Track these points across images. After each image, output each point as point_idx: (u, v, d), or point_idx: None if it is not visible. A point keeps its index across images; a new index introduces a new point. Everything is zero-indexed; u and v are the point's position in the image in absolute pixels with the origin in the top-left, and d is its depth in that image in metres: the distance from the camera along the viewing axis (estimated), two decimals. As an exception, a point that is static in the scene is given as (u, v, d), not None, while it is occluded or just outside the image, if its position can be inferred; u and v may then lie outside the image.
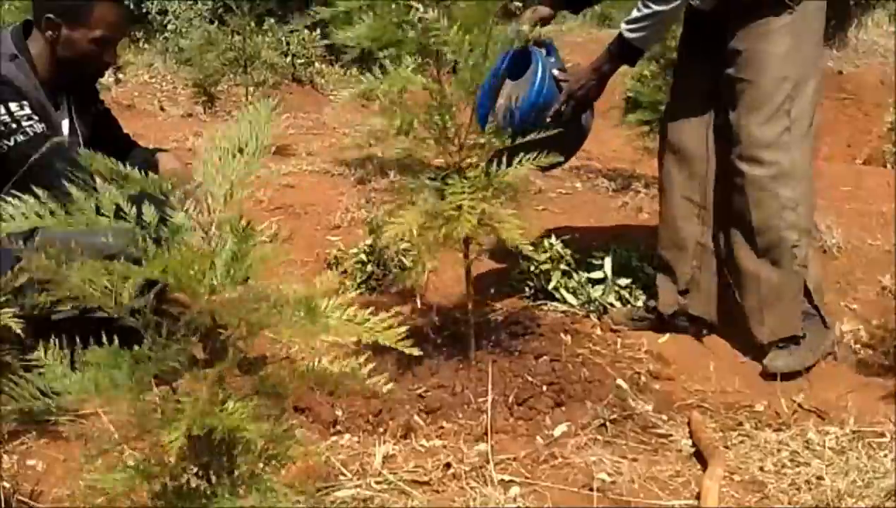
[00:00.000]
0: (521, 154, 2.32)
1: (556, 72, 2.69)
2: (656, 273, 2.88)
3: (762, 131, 2.54)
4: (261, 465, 1.26)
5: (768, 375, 2.54)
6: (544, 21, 2.74)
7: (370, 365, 1.34)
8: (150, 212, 1.25)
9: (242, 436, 1.16)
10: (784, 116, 2.53)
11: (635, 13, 2.57)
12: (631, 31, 2.58)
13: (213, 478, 1.25)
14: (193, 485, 1.26)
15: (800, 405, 2.39)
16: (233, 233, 1.20)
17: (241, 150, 1.26)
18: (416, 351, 1.25)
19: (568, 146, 2.67)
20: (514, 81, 2.73)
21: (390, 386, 1.32)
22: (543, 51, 2.72)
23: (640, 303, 2.97)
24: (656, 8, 2.52)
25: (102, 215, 1.23)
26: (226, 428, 1.14)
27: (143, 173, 1.25)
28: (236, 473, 1.25)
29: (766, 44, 2.53)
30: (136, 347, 1.23)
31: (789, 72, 2.52)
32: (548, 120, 2.59)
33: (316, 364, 1.30)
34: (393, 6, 2.17)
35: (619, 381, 2.42)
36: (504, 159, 2.36)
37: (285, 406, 1.30)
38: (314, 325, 1.16)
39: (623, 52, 2.64)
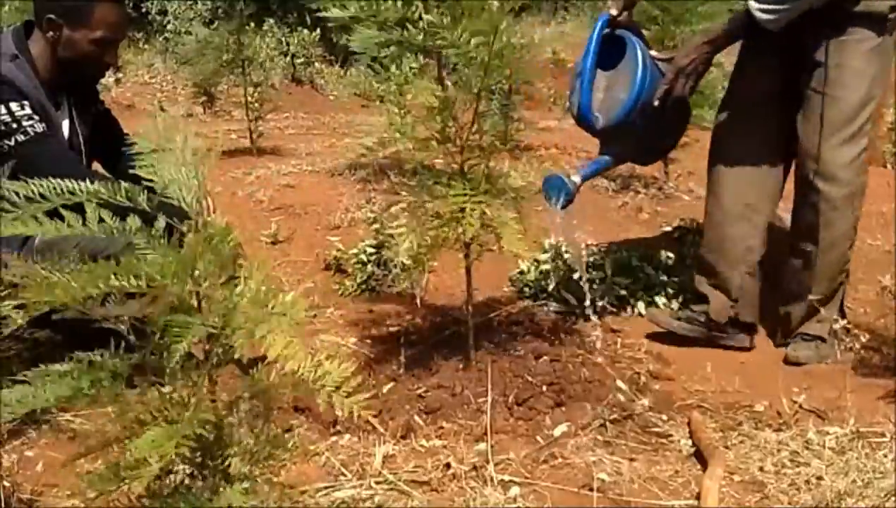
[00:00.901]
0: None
1: (654, 53, 2.61)
2: (699, 276, 2.82)
3: (843, 151, 2.50)
4: (255, 466, 1.26)
5: (790, 363, 2.65)
6: (630, 4, 2.65)
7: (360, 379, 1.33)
8: (133, 221, 1.25)
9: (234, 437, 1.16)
10: (863, 137, 2.52)
11: None
12: (764, 11, 2.42)
13: (208, 478, 1.25)
14: (187, 484, 1.26)
15: (800, 405, 2.39)
16: (214, 234, 1.19)
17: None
18: (368, 415, 1.22)
19: (676, 127, 2.67)
20: (606, 71, 2.63)
21: (390, 385, 1.31)
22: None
23: (674, 305, 2.96)
24: None
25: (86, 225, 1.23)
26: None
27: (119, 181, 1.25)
28: (231, 473, 1.25)
29: (858, 61, 2.45)
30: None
31: (875, 93, 2.48)
32: (656, 103, 2.54)
33: (311, 367, 1.29)
34: (397, 5, 2.16)
35: (619, 381, 2.41)
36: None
37: (281, 406, 1.29)
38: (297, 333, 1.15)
39: (748, 30, 2.51)
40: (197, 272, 1.17)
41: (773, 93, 2.64)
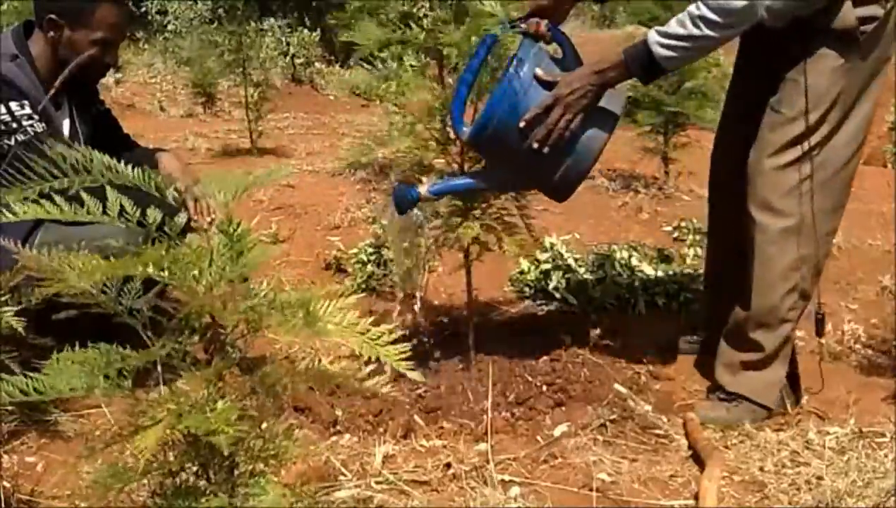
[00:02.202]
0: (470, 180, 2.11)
1: (539, 71, 2.12)
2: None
3: (782, 177, 2.22)
4: (260, 465, 1.26)
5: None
6: (547, 10, 2.25)
7: (369, 367, 1.33)
8: (153, 212, 1.26)
9: (238, 436, 1.16)
10: (809, 163, 2.20)
11: (676, 28, 2.11)
12: (664, 46, 2.11)
13: (212, 477, 1.25)
14: (192, 484, 1.26)
15: (800, 405, 2.39)
16: (228, 233, 1.20)
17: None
18: (417, 376, 1.23)
19: (550, 168, 2.16)
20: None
21: (389, 386, 1.32)
22: (541, 44, 2.19)
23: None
24: (706, 32, 2.08)
25: (106, 214, 1.23)
26: (204, 431, 1.13)
27: (142, 173, 1.25)
28: (235, 473, 1.25)
29: (817, 79, 2.18)
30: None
31: (834, 117, 2.19)
32: (521, 124, 2.10)
33: (316, 364, 1.30)
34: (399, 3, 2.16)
35: (619, 381, 2.42)
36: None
37: (284, 405, 1.30)
38: (312, 328, 1.15)
39: (644, 66, 2.15)
40: (216, 270, 1.17)
41: (742, 110, 2.39)
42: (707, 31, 2.08)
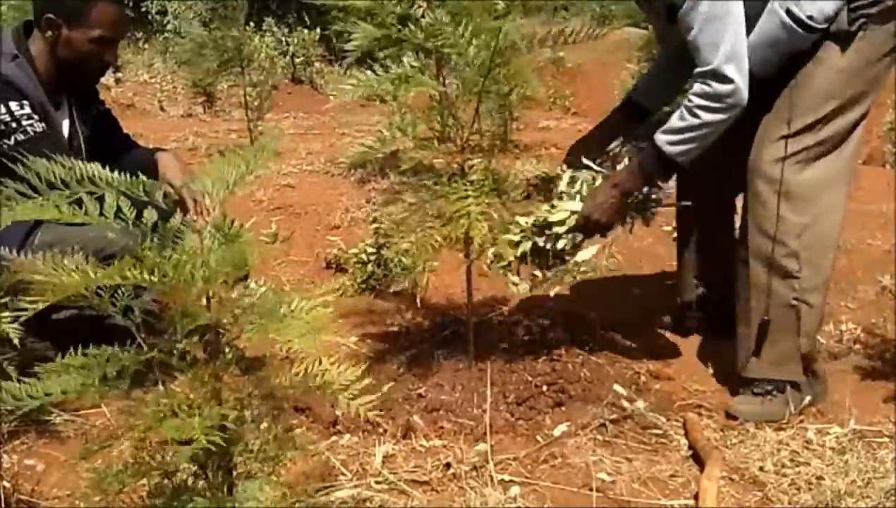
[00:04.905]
0: None
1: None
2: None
3: (778, 146, 2.27)
4: (258, 465, 1.26)
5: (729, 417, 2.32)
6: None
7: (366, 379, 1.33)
8: (150, 214, 1.25)
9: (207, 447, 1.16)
10: (808, 135, 2.25)
11: (678, 123, 2.23)
12: (673, 143, 2.23)
13: (211, 477, 1.25)
14: (190, 484, 1.26)
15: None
16: (223, 233, 1.20)
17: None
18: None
19: None
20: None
21: (390, 384, 1.31)
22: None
23: None
24: (707, 118, 2.19)
25: (103, 215, 1.23)
26: (180, 437, 1.12)
27: (136, 176, 1.25)
28: (233, 473, 1.25)
29: (818, 79, 2.23)
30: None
31: (835, 92, 2.23)
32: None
33: (315, 367, 1.30)
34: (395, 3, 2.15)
35: (619, 381, 2.41)
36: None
37: (284, 405, 1.29)
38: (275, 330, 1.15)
39: (660, 167, 2.29)
40: (208, 270, 1.17)
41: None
42: (708, 118, 2.20)
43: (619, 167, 2.43)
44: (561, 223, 2.32)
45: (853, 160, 2.34)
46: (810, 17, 2.18)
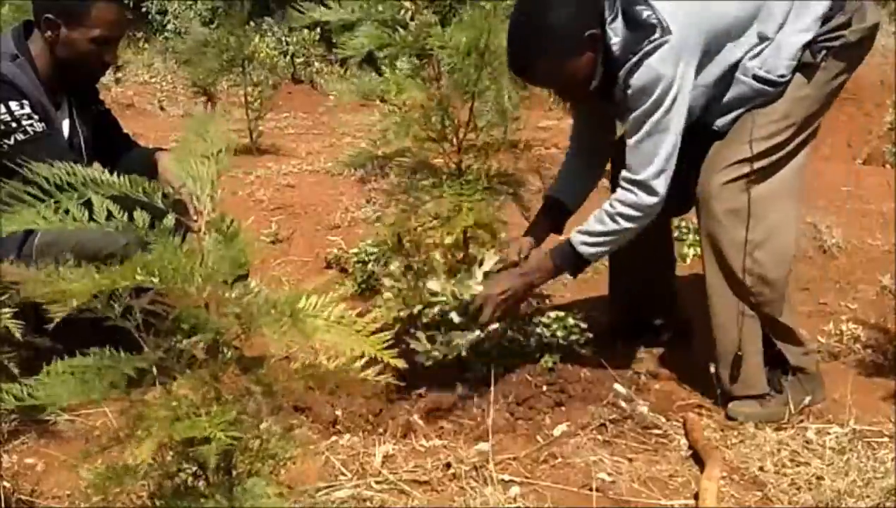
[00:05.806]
0: None
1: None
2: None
3: (735, 169, 2.25)
4: (259, 465, 1.26)
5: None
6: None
7: (369, 370, 1.33)
8: (140, 215, 1.25)
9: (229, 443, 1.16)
10: (767, 157, 2.25)
11: (597, 226, 2.29)
12: (589, 244, 2.29)
13: (211, 477, 1.25)
14: (190, 484, 1.26)
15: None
16: (219, 233, 1.19)
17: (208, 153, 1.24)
18: (400, 363, 1.23)
19: None
20: None
21: (388, 377, 1.31)
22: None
23: None
24: (625, 225, 2.26)
25: (94, 220, 1.22)
26: (197, 437, 1.12)
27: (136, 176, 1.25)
28: (234, 473, 1.25)
29: (777, 104, 2.24)
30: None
31: (794, 115, 2.25)
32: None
33: (314, 362, 1.30)
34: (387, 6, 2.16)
35: (619, 381, 2.41)
36: None
37: (284, 405, 1.29)
38: (299, 328, 1.15)
39: (573, 264, 2.35)
40: (206, 270, 1.17)
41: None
42: (626, 225, 2.26)
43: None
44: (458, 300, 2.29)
45: (803, 174, 2.35)
46: (781, 76, 2.21)
